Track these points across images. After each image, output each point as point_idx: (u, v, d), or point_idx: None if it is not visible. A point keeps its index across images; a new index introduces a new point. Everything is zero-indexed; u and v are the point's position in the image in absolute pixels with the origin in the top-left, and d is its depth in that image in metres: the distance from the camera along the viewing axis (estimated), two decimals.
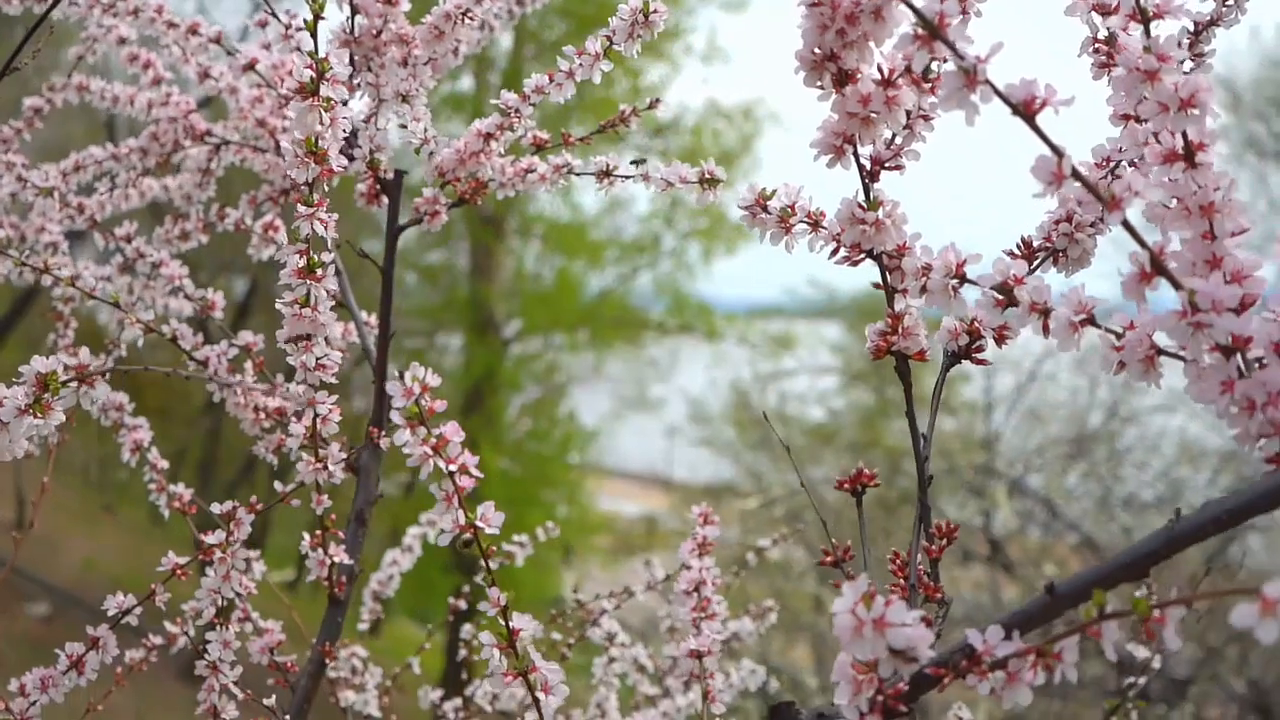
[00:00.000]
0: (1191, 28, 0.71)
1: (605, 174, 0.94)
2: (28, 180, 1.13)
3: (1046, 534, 6.67)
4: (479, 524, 0.62)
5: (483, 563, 0.64)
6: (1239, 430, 0.51)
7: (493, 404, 10.67)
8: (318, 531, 0.95)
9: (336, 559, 0.96)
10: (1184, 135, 0.53)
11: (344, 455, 0.91)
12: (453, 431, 0.62)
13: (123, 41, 1.20)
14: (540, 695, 0.64)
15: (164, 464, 1.09)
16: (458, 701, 1.33)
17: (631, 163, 0.94)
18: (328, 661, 0.98)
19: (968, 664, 0.51)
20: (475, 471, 0.62)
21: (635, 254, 11.90)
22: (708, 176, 0.86)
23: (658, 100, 0.98)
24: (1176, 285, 0.51)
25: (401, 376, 0.60)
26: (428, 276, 11.33)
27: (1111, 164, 0.68)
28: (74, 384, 0.67)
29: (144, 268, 1.13)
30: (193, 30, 1.10)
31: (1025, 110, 0.50)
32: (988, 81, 0.49)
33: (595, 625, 1.31)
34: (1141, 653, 1.08)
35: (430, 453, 0.61)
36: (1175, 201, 0.54)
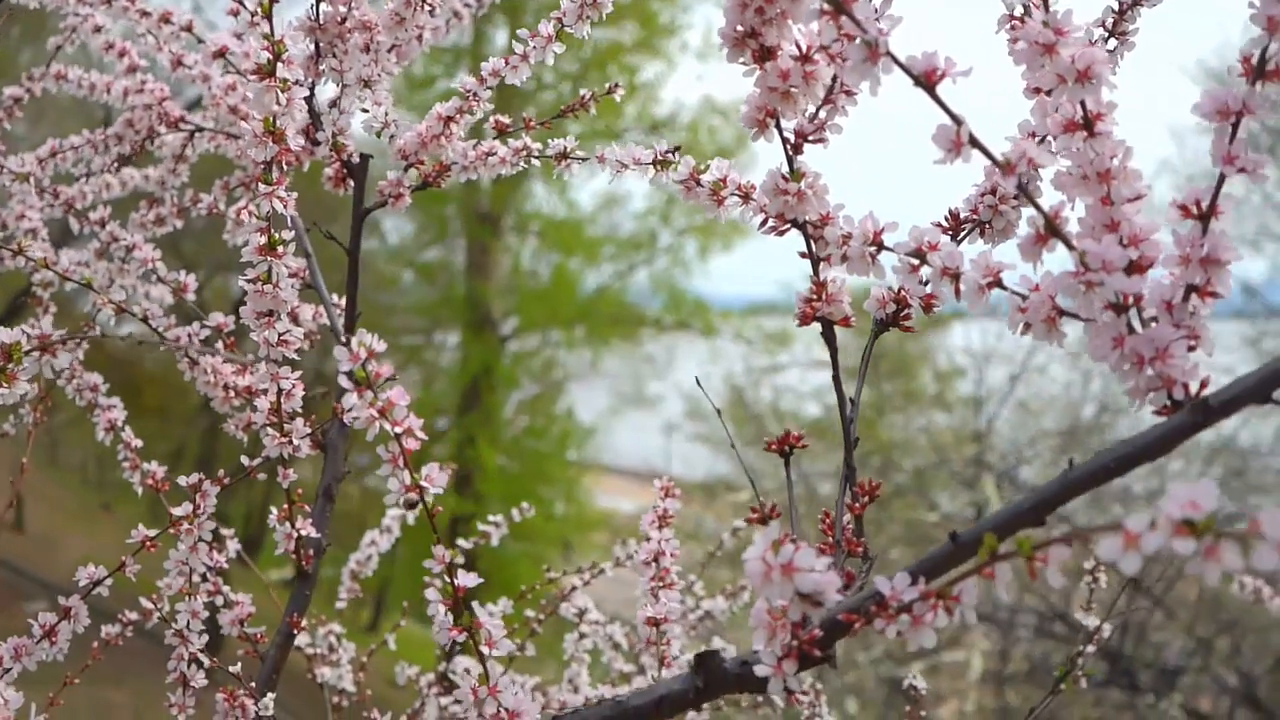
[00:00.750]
0: (1116, 6, 0.74)
1: (563, 156, 0.96)
2: (4, 166, 1.16)
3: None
4: (424, 484, 0.65)
5: (430, 523, 0.67)
6: (1131, 384, 0.54)
7: (490, 401, 10.72)
8: (285, 506, 0.98)
9: (303, 533, 0.99)
10: (1083, 105, 0.56)
11: (309, 430, 0.93)
12: (399, 395, 0.65)
13: (98, 30, 1.23)
14: (485, 649, 0.67)
15: (138, 442, 1.12)
16: (431, 676, 1.36)
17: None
18: (295, 632, 1.01)
19: (877, 609, 0.54)
20: (420, 434, 0.65)
21: (632, 251, 11.94)
22: (660, 158, 0.89)
23: (616, 85, 1.01)
24: (1070, 246, 0.53)
25: (349, 344, 0.63)
26: (424, 274, 11.37)
27: (1037, 138, 0.70)
28: (36, 353, 0.69)
29: (119, 251, 1.16)
30: (165, 19, 1.13)
31: (926, 81, 0.53)
32: (889, 54, 0.52)
33: (566, 601, 1.33)
34: (1091, 622, 1.11)
35: (377, 415, 0.64)
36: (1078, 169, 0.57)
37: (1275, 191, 8.92)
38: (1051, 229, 0.53)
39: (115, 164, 1.21)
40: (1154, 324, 0.54)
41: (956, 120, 0.53)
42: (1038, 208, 0.53)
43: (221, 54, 1.10)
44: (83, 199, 1.20)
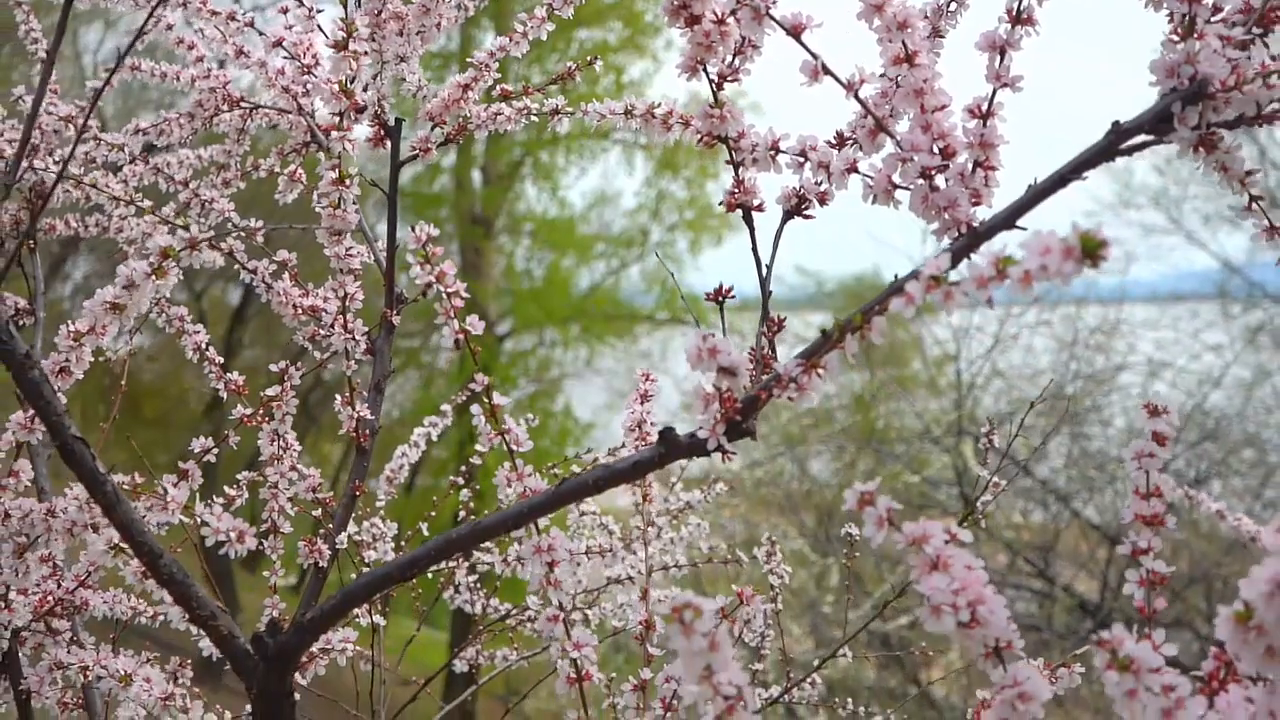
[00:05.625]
0: None
1: (555, 112, 1.24)
2: (102, 140, 1.43)
3: (1021, 494, 7.01)
4: (468, 328, 0.92)
5: (472, 358, 0.94)
6: (935, 226, 0.81)
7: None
8: (347, 393, 1.25)
9: (362, 414, 1.26)
10: (904, 45, 0.83)
11: (366, 330, 1.21)
12: (449, 267, 0.92)
13: (170, 28, 1.50)
14: (514, 447, 0.94)
15: (220, 359, 1.39)
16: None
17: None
18: (357, 495, 1.28)
19: (778, 385, 0.81)
20: (464, 294, 0.92)
21: (623, 248, 12.23)
22: (628, 109, 1.16)
23: (595, 58, 1.29)
24: (892, 136, 0.81)
25: (413, 229, 0.90)
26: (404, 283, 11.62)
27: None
28: (187, 250, 0.96)
29: (196, 206, 1.43)
30: (230, 17, 1.40)
31: (794, 31, 0.80)
32: (769, 14, 0.80)
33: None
34: (984, 474, 1.39)
35: (434, 280, 0.91)
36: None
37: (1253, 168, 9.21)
38: (879, 126, 0.81)
39: (189, 138, 1.49)
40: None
41: (815, 56, 0.80)
42: (870, 113, 0.81)
43: (279, 43, 1.37)
44: (167, 166, 1.48)
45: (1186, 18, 0.73)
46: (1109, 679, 0.61)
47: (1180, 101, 0.73)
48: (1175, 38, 0.74)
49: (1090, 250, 0.57)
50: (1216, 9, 0.76)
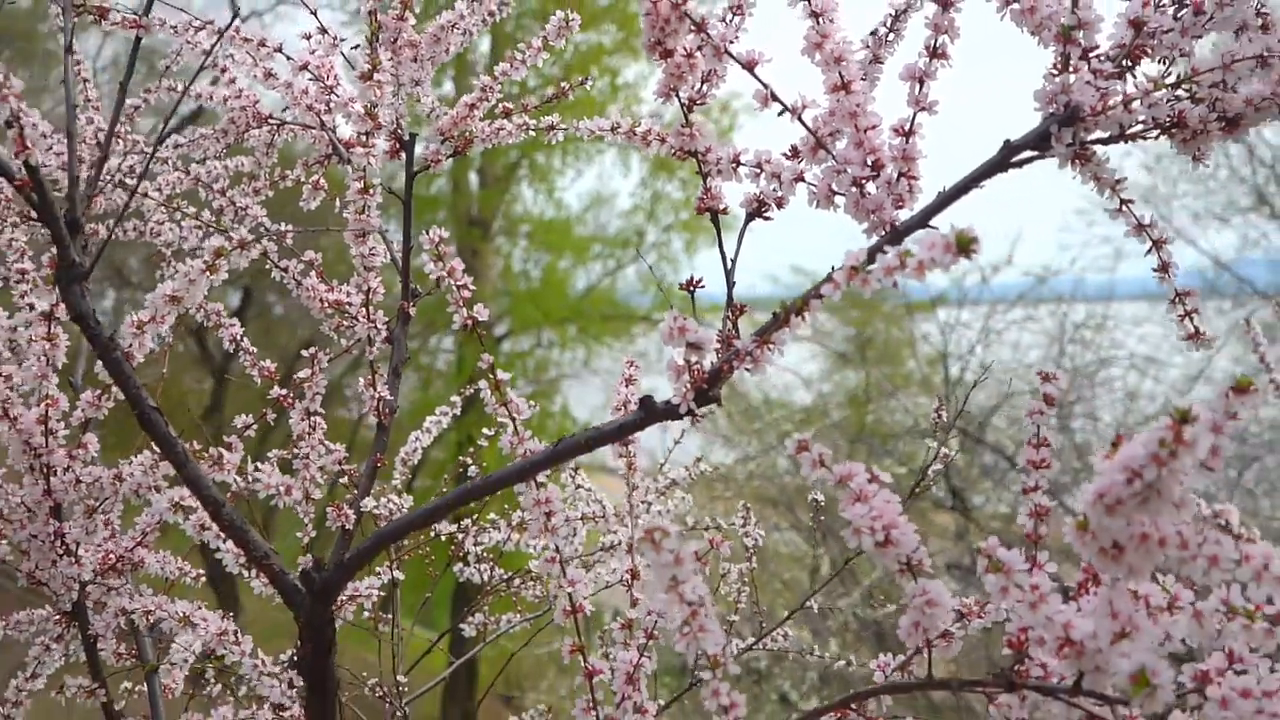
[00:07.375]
0: (892, 12, 1.18)
1: (552, 128, 1.40)
2: (146, 151, 1.60)
3: (1005, 483, 7.19)
4: (475, 315, 1.09)
5: (479, 341, 1.10)
6: (865, 225, 0.98)
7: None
8: (369, 375, 1.42)
9: (382, 395, 1.43)
10: (840, 74, 1.00)
11: (386, 319, 1.38)
12: (458, 264, 1.09)
13: (206, 54, 1.66)
14: (515, 416, 1.11)
15: (254, 350, 1.55)
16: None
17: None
18: (379, 467, 1.45)
19: (736, 358, 0.98)
20: (471, 286, 1.09)
21: (620, 249, 12.40)
22: (614, 126, 1.33)
23: (586, 78, 1.45)
24: (829, 152, 0.98)
25: (427, 232, 1.07)
26: (418, 280, 11.79)
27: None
28: (236, 250, 1.13)
29: (230, 211, 1.60)
30: (261, 43, 1.57)
31: (748, 65, 0.97)
32: (727, 51, 0.96)
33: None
34: (935, 467, 1.55)
35: (445, 275, 1.08)
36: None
37: (1241, 166, 9.42)
38: (819, 143, 0.98)
39: (224, 151, 1.65)
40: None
41: (765, 86, 0.97)
42: (810, 131, 0.98)
43: (304, 67, 1.54)
44: (204, 176, 1.64)
45: (1062, 55, 0.90)
46: (988, 581, 0.77)
47: (1057, 124, 0.89)
48: (1054, 71, 0.91)
49: (963, 245, 0.74)
50: (1092, 48, 0.92)
